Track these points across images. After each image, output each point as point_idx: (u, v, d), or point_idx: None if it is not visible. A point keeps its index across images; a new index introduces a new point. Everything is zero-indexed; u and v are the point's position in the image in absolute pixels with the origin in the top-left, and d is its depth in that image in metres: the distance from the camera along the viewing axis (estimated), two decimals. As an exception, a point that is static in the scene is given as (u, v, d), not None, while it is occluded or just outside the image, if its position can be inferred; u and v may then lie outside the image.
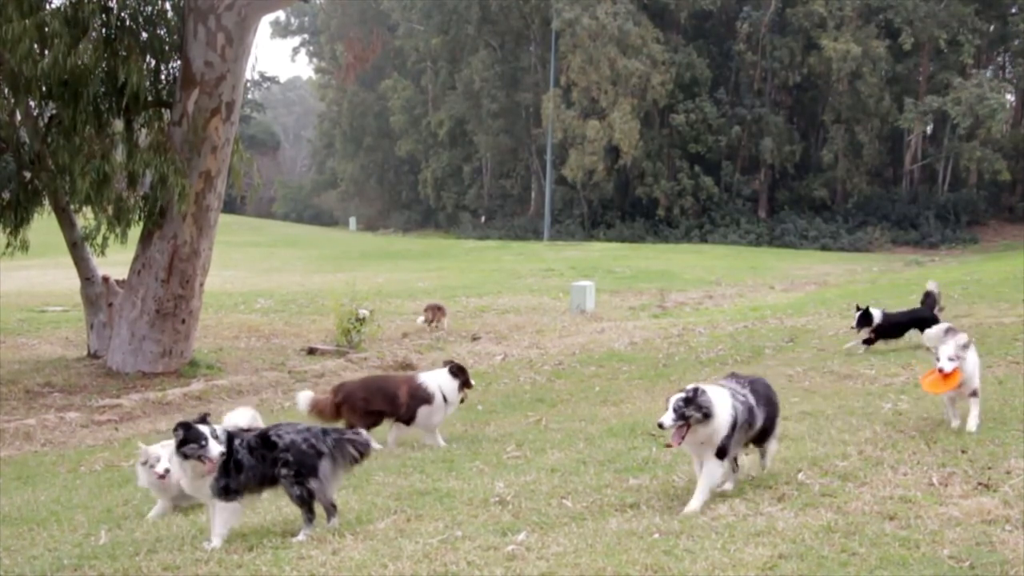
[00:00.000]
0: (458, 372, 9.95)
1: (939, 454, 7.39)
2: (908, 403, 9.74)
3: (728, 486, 6.96)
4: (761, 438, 7.09)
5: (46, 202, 18.34)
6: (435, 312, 22.34)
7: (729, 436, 6.51)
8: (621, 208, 65.54)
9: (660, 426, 6.46)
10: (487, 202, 73.38)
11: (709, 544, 5.72)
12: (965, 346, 7.89)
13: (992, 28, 61.90)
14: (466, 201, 74.46)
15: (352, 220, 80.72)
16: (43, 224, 18.89)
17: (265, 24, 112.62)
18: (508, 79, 69.31)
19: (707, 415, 6.37)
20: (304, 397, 10.18)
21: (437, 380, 9.86)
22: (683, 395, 6.41)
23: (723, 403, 6.51)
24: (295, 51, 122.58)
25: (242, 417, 7.61)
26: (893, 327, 14.59)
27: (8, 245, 18.15)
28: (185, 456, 6.45)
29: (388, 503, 7.32)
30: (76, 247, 18.42)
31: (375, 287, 28.86)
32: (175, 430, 6.52)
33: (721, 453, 6.53)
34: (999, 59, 66.60)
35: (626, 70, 58.78)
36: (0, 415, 13.94)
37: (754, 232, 59.65)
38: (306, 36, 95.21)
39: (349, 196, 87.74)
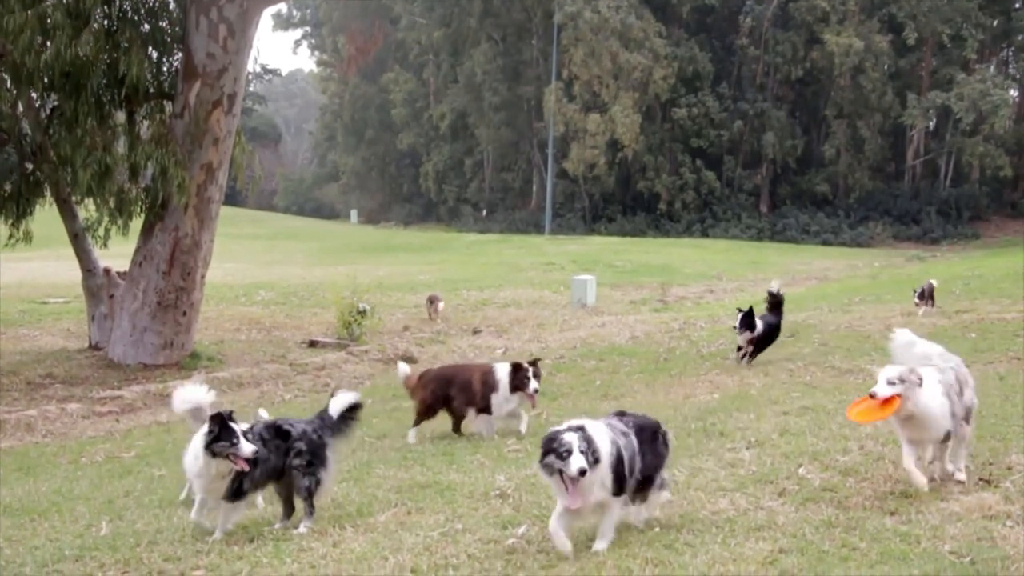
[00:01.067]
0: (512, 369, 9.52)
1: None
2: (909, 398, 9.73)
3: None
4: (649, 478, 6.03)
5: (48, 194, 18.35)
6: (434, 302, 22.95)
7: (620, 474, 5.67)
8: (622, 202, 65.48)
9: (582, 473, 5.35)
10: (488, 195, 73.31)
11: (709, 538, 5.73)
12: (914, 371, 6.23)
13: (995, 23, 61.78)
14: (467, 194, 74.42)
15: (353, 213, 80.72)
16: (45, 216, 18.90)
17: (267, 16, 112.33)
18: (510, 72, 69.20)
19: (597, 459, 5.50)
20: (402, 370, 10.36)
21: (504, 372, 9.60)
22: (579, 433, 5.48)
23: (602, 444, 5.59)
24: (297, 44, 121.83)
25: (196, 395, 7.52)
26: (768, 335, 13.95)
27: (11, 236, 18.18)
28: (214, 454, 6.24)
29: (389, 496, 7.33)
30: (78, 239, 18.42)
31: (376, 280, 28.86)
32: (209, 423, 6.29)
33: (618, 489, 5.68)
34: (1002, 54, 66.47)
35: (628, 64, 58.71)
36: (1, 406, 13.95)
37: (755, 227, 59.61)
38: (308, 29, 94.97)
39: (350, 189, 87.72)
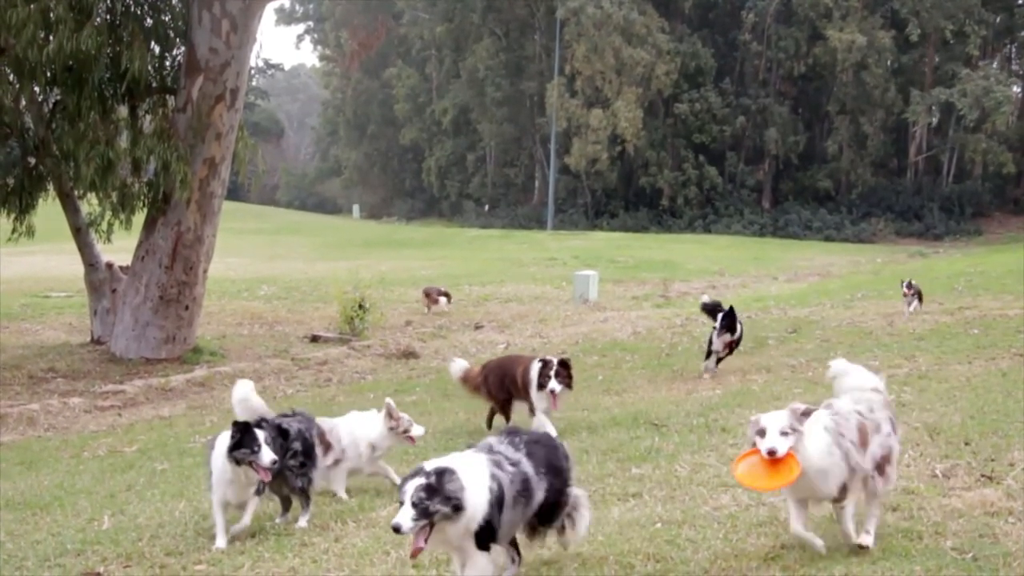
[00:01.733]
0: (540, 365, 9.19)
1: (942, 446, 7.38)
2: (911, 395, 9.75)
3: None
4: (548, 517, 5.28)
5: (50, 188, 18.36)
6: (430, 296, 23.29)
7: (489, 522, 4.80)
8: (625, 198, 65.43)
9: (396, 530, 4.57)
10: (491, 191, 73.30)
11: (711, 534, 5.73)
12: (804, 414, 5.07)
13: (998, 20, 61.72)
14: (470, 190, 74.38)
15: (356, 208, 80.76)
16: (47, 210, 18.91)
17: (270, 11, 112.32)
18: (512, 68, 69.16)
19: (457, 508, 4.62)
20: (458, 366, 10.28)
21: (536, 368, 9.27)
22: (424, 481, 4.60)
23: (476, 483, 4.75)
24: (299, 38, 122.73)
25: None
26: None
27: (14, 231, 18.19)
28: (237, 461, 6.06)
29: (391, 491, 7.33)
30: (80, 233, 18.43)
31: (378, 275, 28.83)
32: (232, 428, 6.13)
33: (483, 542, 4.82)
34: (1006, 51, 66.38)
35: (631, 59, 58.64)
36: (3, 400, 13.96)
37: (758, 223, 59.56)
38: (310, 23, 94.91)
39: (353, 184, 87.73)
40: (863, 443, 5.25)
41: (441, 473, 4.62)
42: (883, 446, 5.39)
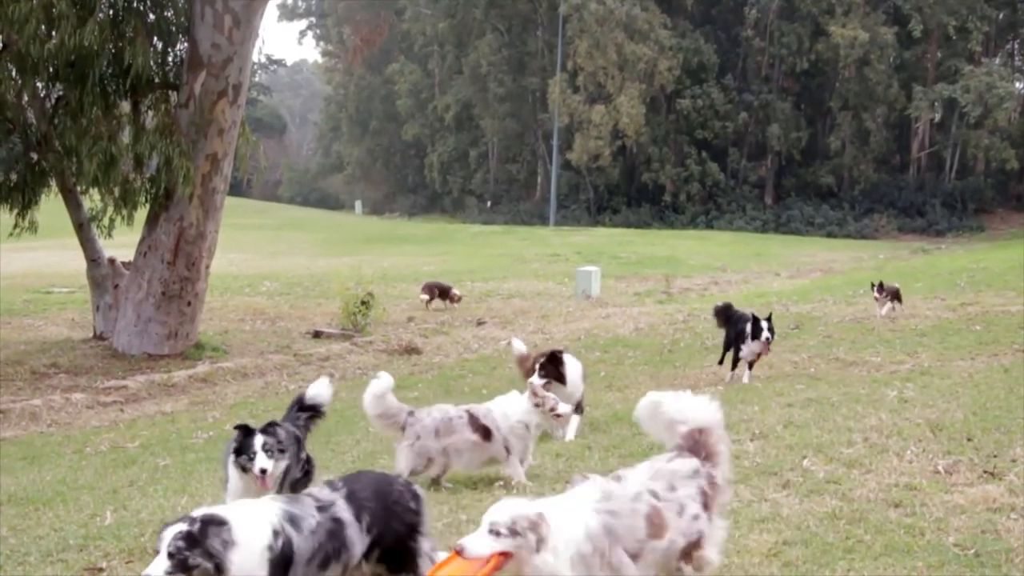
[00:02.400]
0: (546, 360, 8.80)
1: (944, 442, 7.37)
2: (914, 391, 9.74)
3: None
4: (397, 564, 4.62)
5: (53, 183, 18.37)
6: (431, 292, 23.45)
7: None
8: (627, 193, 65.45)
9: None
10: (493, 187, 73.28)
11: (713, 530, 5.71)
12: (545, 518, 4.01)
13: (1001, 16, 61.69)
14: (472, 185, 74.38)
15: (358, 204, 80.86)
16: (50, 206, 18.92)
17: (272, 7, 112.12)
18: (515, 63, 69.16)
19: (219, 568, 3.94)
20: (517, 347, 10.21)
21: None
22: (185, 529, 3.94)
23: (251, 539, 4.07)
24: (302, 34, 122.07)
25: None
26: None
27: (16, 226, 18.21)
28: (243, 468, 5.73)
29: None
30: (82, 229, 18.46)
31: (380, 271, 28.85)
32: (236, 432, 5.82)
33: None
34: (1008, 47, 66.31)
35: (633, 55, 58.63)
36: (6, 396, 13.97)
37: (760, 218, 59.58)
38: (313, 19, 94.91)
39: (355, 180, 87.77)
40: (656, 535, 4.24)
41: (207, 523, 3.99)
42: (687, 532, 4.36)
